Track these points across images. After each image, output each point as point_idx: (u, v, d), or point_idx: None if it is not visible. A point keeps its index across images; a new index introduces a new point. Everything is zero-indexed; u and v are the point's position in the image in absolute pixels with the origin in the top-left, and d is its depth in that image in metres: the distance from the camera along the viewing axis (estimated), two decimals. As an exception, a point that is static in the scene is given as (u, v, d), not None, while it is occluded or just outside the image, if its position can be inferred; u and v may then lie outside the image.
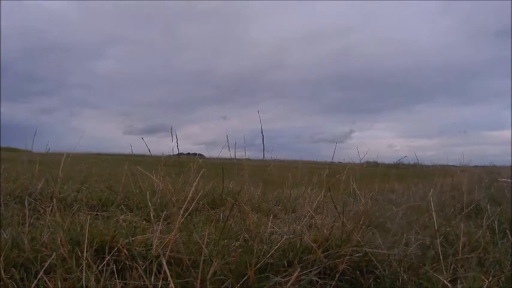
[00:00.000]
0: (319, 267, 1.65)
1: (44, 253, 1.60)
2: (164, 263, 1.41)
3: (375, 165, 7.18)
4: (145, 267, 1.54)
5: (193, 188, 1.95)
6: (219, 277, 1.48)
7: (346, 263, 1.69)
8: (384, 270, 1.70)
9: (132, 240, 1.71)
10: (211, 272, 1.45)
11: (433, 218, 2.07)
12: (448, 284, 1.56)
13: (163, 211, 2.38)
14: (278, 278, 1.53)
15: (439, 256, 1.80)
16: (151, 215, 1.81)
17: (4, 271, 1.47)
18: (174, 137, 3.18)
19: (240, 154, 3.71)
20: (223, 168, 2.50)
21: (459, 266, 1.84)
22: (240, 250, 1.74)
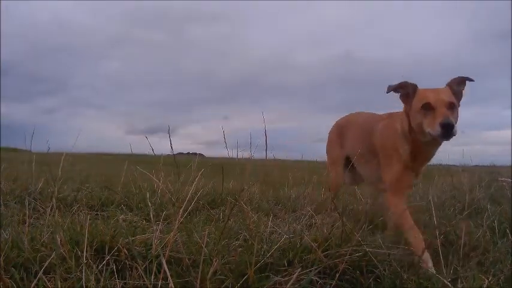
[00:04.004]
0: (319, 267, 1.65)
1: (44, 253, 1.60)
2: (164, 262, 1.41)
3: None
4: (145, 267, 1.54)
5: (193, 188, 1.94)
6: (219, 277, 1.48)
7: (346, 262, 1.68)
8: (384, 270, 1.69)
9: (132, 240, 1.71)
10: (211, 271, 1.45)
11: (433, 217, 2.07)
12: (449, 284, 1.56)
13: (163, 211, 2.38)
14: (278, 278, 1.53)
15: (440, 255, 1.80)
16: (151, 215, 1.81)
17: (4, 271, 1.47)
18: (171, 137, 3.19)
19: (240, 154, 3.70)
20: (223, 167, 2.50)
21: (459, 265, 1.84)
22: (240, 250, 1.74)
